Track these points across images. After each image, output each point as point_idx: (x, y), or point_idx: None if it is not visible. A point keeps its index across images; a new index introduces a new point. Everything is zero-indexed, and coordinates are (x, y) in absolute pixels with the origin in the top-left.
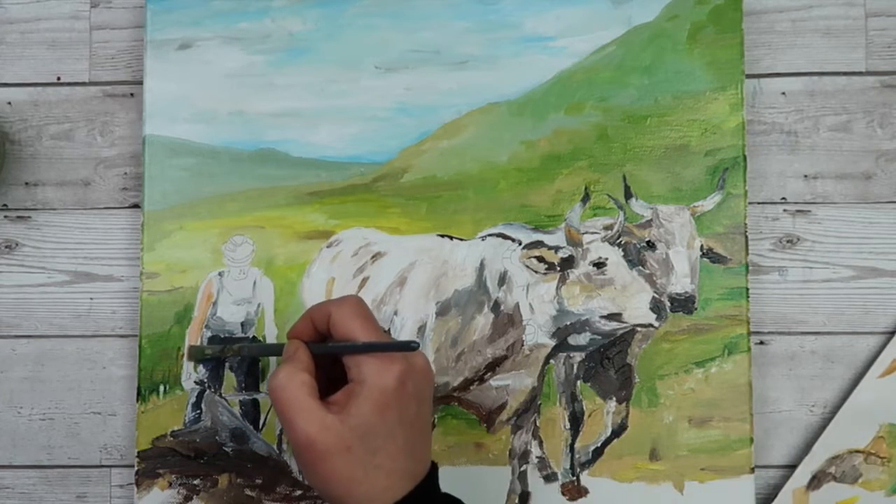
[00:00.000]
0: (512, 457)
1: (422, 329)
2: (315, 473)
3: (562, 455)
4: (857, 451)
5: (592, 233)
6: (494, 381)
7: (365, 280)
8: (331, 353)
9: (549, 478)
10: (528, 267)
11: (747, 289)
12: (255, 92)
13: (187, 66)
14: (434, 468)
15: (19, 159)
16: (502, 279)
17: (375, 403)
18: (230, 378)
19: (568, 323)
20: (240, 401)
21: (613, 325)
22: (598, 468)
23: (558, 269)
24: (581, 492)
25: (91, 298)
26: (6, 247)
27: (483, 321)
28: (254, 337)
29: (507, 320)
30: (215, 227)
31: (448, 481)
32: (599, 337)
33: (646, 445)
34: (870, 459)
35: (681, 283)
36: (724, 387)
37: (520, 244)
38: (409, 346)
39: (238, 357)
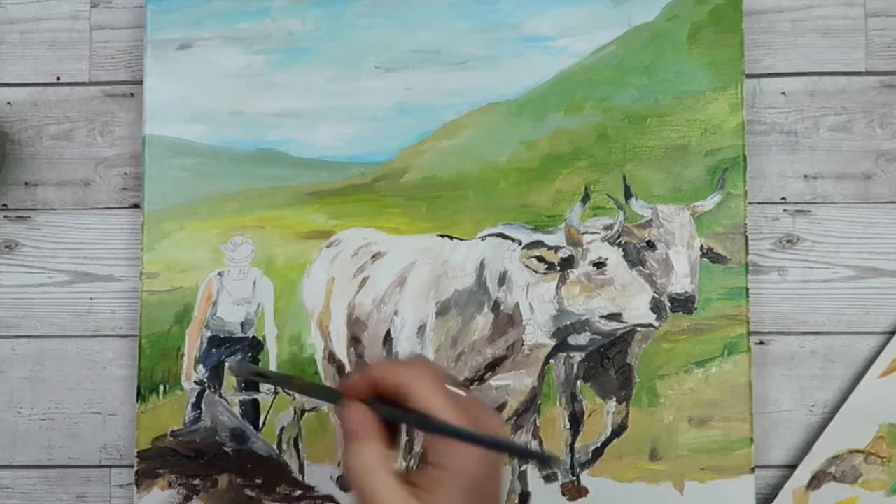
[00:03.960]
0: (512, 457)
1: (422, 329)
2: None
3: (562, 455)
4: (857, 451)
5: (592, 233)
6: (494, 381)
7: (365, 280)
8: (403, 422)
9: (549, 478)
10: (528, 267)
11: (747, 289)
12: (255, 92)
13: (187, 66)
14: None
15: (19, 159)
16: (502, 279)
17: (460, 491)
18: (230, 378)
19: (568, 323)
20: (240, 401)
21: (613, 325)
22: (598, 468)
23: (558, 269)
24: (581, 492)
25: (91, 298)
26: (6, 247)
27: (483, 321)
28: (254, 337)
29: (507, 320)
30: (215, 227)
31: None
32: (599, 337)
33: (646, 445)
34: (870, 459)
35: (681, 283)
36: (724, 387)
37: (520, 244)
38: (529, 452)
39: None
